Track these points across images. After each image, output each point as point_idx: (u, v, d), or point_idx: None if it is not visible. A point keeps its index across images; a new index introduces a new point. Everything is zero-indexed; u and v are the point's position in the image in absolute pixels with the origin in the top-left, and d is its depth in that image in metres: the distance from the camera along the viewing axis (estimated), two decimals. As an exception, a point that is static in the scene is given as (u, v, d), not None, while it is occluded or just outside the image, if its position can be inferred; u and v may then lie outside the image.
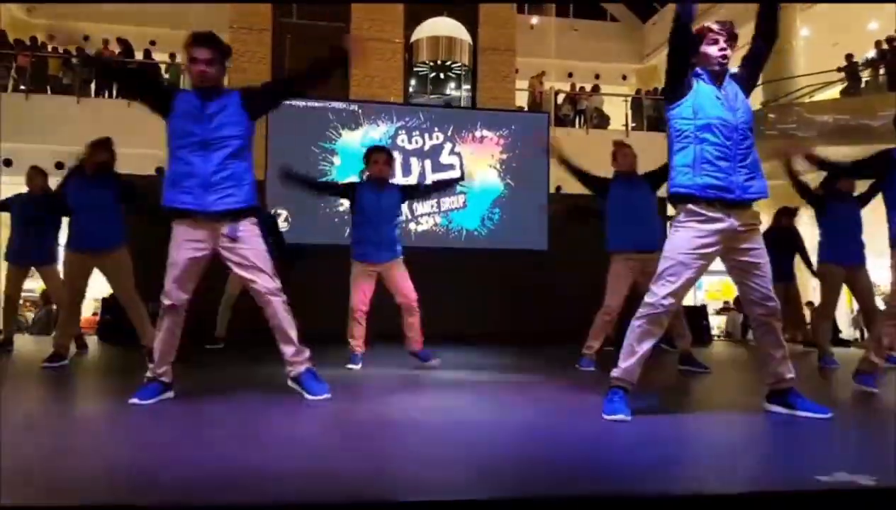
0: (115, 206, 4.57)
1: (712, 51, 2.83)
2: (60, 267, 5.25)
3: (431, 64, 12.44)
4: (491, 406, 3.25)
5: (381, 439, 2.42)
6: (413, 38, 12.35)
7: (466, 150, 8.76)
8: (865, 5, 14.55)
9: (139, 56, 14.13)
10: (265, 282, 3.11)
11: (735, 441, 2.59)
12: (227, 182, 3.02)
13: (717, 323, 13.70)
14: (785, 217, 6.76)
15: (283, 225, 6.60)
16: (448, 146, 8.73)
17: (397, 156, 8.50)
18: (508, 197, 8.81)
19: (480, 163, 8.79)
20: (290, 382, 3.24)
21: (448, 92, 12.91)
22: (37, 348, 5.88)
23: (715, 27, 2.85)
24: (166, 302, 3.05)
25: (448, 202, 8.63)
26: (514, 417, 2.91)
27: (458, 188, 8.69)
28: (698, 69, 2.87)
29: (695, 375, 4.65)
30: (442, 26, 12.11)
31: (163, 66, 14.08)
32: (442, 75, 12.66)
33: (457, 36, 12.11)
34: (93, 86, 13.26)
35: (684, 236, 2.81)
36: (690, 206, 2.81)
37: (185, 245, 3.05)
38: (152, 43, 14.99)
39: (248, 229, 3.11)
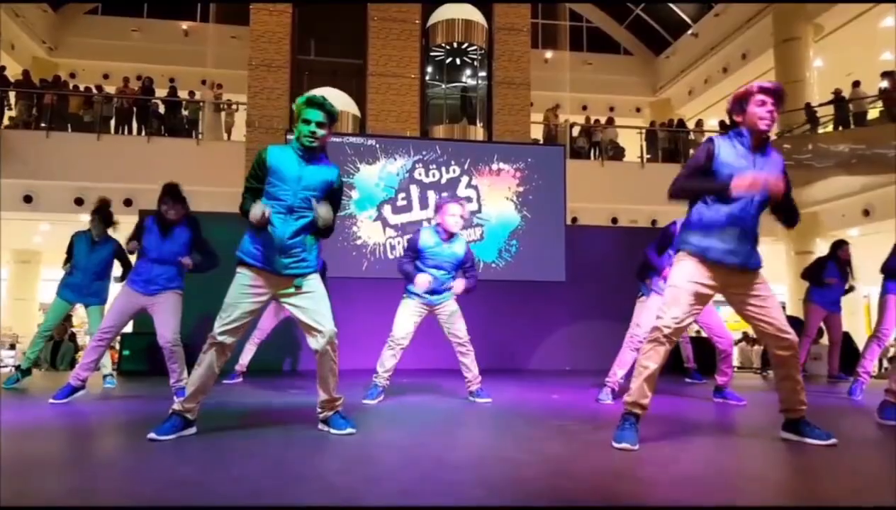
0: (182, 254, 4.61)
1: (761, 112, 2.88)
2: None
3: (447, 48, 12.44)
4: (512, 438, 3.18)
5: (404, 473, 2.36)
6: (430, 23, 12.41)
7: (483, 182, 8.79)
8: (879, 36, 14.61)
9: (162, 92, 14.38)
10: (323, 327, 3.12)
11: (748, 469, 2.53)
12: (299, 247, 3.11)
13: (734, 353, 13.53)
14: (841, 250, 6.72)
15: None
16: (465, 179, 8.76)
17: (414, 189, 8.56)
18: (525, 229, 8.80)
19: (497, 195, 8.81)
20: (319, 425, 3.25)
21: (464, 80, 12.91)
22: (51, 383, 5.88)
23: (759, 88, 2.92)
24: (216, 340, 3.03)
25: (465, 234, 8.63)
26: (535, 450, 2.84)
27: (476, 220, 8.70)
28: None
29: (728, 406, 4.64)
30: (458, 9, 12.23)
31: (183, 103, 14.32)
32: (458, 61, 12.67)
33: (473, 19, 12.24)
34: (112, 122, 13.51)
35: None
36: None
37: (249, 291, 3.09)
38: (171, 81, 15.30)
39: (313, 278, 3.18)
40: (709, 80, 18.69)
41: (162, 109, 13.99)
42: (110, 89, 14.70)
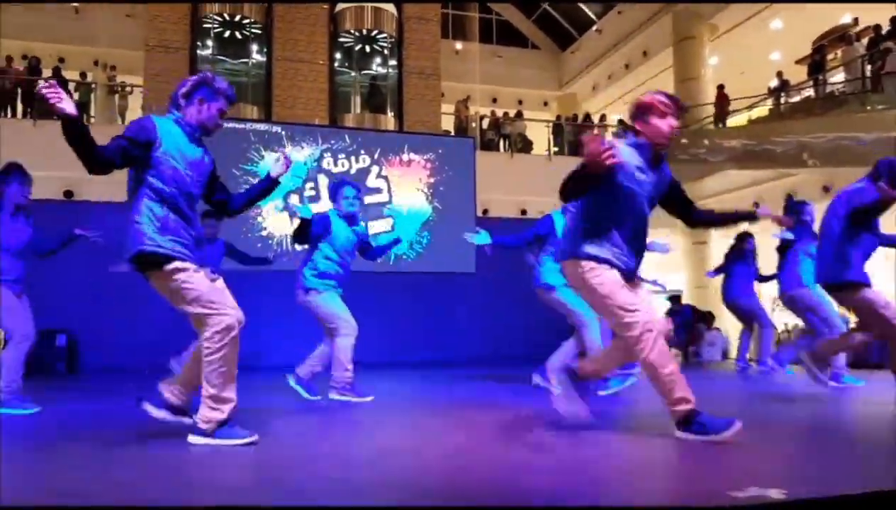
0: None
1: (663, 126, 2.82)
2: None
3: (356, 34, 12.26)
4: (413, 432, 3.16)
5: (300, 473, 2.28)
6: (338, 8, 12.16)
7: (394, 173, 8.71)
8: (769, 36, 15.55)
9: (47, 73, 13.37)
10: None
11: (645, 460, 2.59)
12: None
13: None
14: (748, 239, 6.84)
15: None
16: (375, 169, 8.65)
17: (323, 179, 8.37)
18: (436, 220, 8.80)
19: (408, 186, 8.76)
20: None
21: (374, 68, 12.79)
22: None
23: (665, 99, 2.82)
24: None
25: (375, 226, 8.53)
26: (437, 443, 2.83)
27: (386, 212, 8.62)
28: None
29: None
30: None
31: (72, 85, 13.37)
32: (368, 48, 12.54)
33: (382, 6, 12.10)
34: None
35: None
36: None
37: None
38: (61, 60, 14.25)
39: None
40: (612, 76, 19.30)
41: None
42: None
